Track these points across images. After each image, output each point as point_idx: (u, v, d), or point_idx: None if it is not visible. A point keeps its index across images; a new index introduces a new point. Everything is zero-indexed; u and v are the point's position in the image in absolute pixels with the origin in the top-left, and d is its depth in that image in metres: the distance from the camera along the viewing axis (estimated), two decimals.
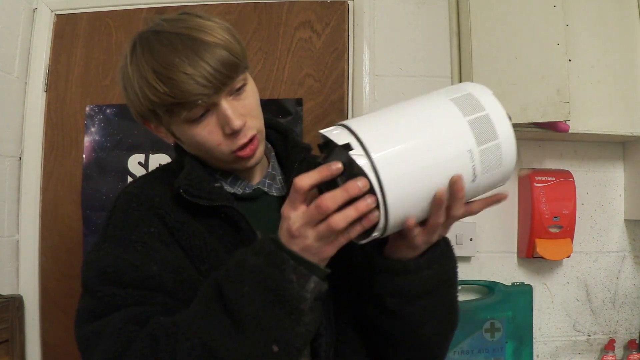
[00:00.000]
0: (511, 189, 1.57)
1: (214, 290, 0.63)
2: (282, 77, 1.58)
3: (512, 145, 0.64)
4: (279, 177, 0.86)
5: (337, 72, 1.57)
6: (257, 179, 0.85)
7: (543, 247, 1.48)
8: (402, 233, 0.65)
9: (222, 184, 0.80)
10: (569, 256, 1.51)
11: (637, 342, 1.55)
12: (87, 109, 1.60)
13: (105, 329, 0.66)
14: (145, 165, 1.59)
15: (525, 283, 1.55)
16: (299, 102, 1.57)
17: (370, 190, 0.58)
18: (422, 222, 0.65)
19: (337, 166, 0.59)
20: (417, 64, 1.57)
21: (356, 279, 0.77)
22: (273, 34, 1.59)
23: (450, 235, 0.73)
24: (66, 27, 1.62)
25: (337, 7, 1.59)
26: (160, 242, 0.73)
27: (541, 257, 1.50)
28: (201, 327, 0.61)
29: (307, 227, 0.59)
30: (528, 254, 1.52)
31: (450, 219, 0.65)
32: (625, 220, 1.60)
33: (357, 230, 0.59)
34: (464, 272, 1.55)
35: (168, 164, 0.88)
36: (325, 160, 0.62)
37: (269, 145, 0.88)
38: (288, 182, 0.83)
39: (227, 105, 0.73)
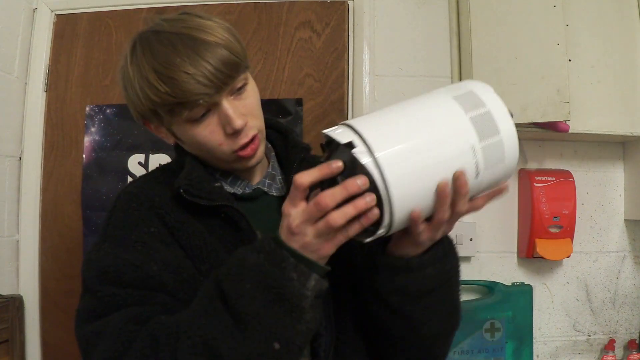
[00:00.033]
0: (511, 189, 1.57)
1: (214, 289, 0.63)
2: (282, 77, 1.58)
3: (514, 140, 0.64)
4: (278, 177, 0.86)
5: (337, 72, 1.57)
6: (257, 178, 0.85)
7: (543, 247, 1.48)
8: (407, 230, 0.65)
9: (222, 184, 0.80)
10: (569, 256, 1.51)
11: (637, 342, 1.55)
12: (87, 109, 1.60)
13: (106, 329, 0.66)
14: (145, 165, 1.59)
15: (525, 283, 1.55)
16: (299, 102, 1.57)
17: (374, 188, 0.58)
18: (427, 220, 0.65)
19: (337, 164, 0.60)
20: (417, 64, 1.57)
21: (357, 278, 0.77)
22: (273, 34, 1.59)
23: (451, 235, 0.73)
24: (66, 27, 1.62)
25: (337, 7, 1.59)
26: (160, 242, 0.73)
27: (541, 257, 1.49)
28: (202, 325, 0.61)
29: (306, 224, 0.60)
30: (528, 254, 1.52)
31: (454, 215, 0.65)
32: (625, 220, 1.60)
33: (355, 228, 0.60)
34: (464, 272, 1.53)
35: (168, 164, 0.88)
36: (328, 159, 0.62)
37: (269, 145, 0.88)
38: (288, 182, 0.84)
39: (228, 105, 0.73)
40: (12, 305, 1.47)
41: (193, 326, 0.62)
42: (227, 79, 0.71)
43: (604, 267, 1.59)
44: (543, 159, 1.58)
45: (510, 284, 1.54)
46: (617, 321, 1.59)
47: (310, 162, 0.81)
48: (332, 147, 0.64)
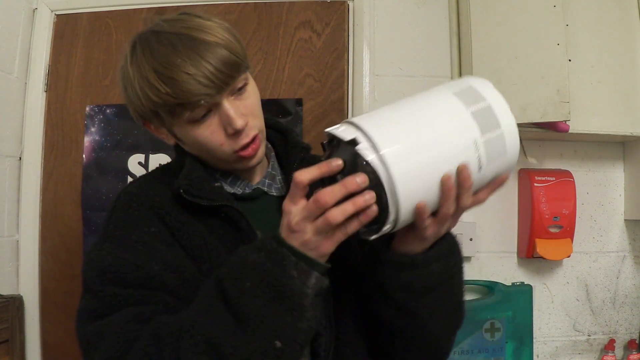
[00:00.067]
0: (511, 189, 1.57)
1: (216, 288, 0.63)
2: (282, 77, 1.58)
3: (514, 133, 0.65)
4: (278, 177, 0.86)
5: (337, 72, 1.58)
6: (257, 178, 0.85)
7: (543, 247, 1.48)
8: (412, 226, 0.66)
9: (222, 184, 0.80)
10: (569, 256, 1.51)
11: (637, 342, 1.55)
12: (87, 109, 1.60)
13: (107, 329, 0.66)
14: (145, 165, 1.59)
15: (525, 283, 1.55)
16: (299, 102, 1.57)
17: (379, 185, 0.58)
18: (432, 215, 0.65)
19: (336, 162, 0.60)
20: (417, 64, 1.57)
21: (359, 276, 0.77)
22: (273, 34, 1.59)
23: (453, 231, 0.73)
24: (66, 27, 1.62)
25: (337, 7, 1.59)
26: (161, 241, 0.73)
27: (541, 257, 1.50)
28: (204, 324, 0.61)
29: (306, 221, 0.60)
30: (528, 254, 1.52)
31: (459, 209, 0.65)
32: (625, 220, 1.60)
33: (354, 225, 0.60)
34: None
35: (168, 164, 0.88)
36: (329, 157, 0.63)
37: (269, 145, 0.88)
38: (288, 182, 0.84)
39: (229, 105, 0.73)
40: (12, 305, 1.47)
41: (195, 325, 0.62)
42: (227, 79, 0.71)
43: (604, 267, 1.59)
44: (543, 159, 1.58)
45: (510, 284, 1.54)
46: (617, 321, 1.59)
47: (310, 162, 0.80)
48: (333, 146, 0.64)
